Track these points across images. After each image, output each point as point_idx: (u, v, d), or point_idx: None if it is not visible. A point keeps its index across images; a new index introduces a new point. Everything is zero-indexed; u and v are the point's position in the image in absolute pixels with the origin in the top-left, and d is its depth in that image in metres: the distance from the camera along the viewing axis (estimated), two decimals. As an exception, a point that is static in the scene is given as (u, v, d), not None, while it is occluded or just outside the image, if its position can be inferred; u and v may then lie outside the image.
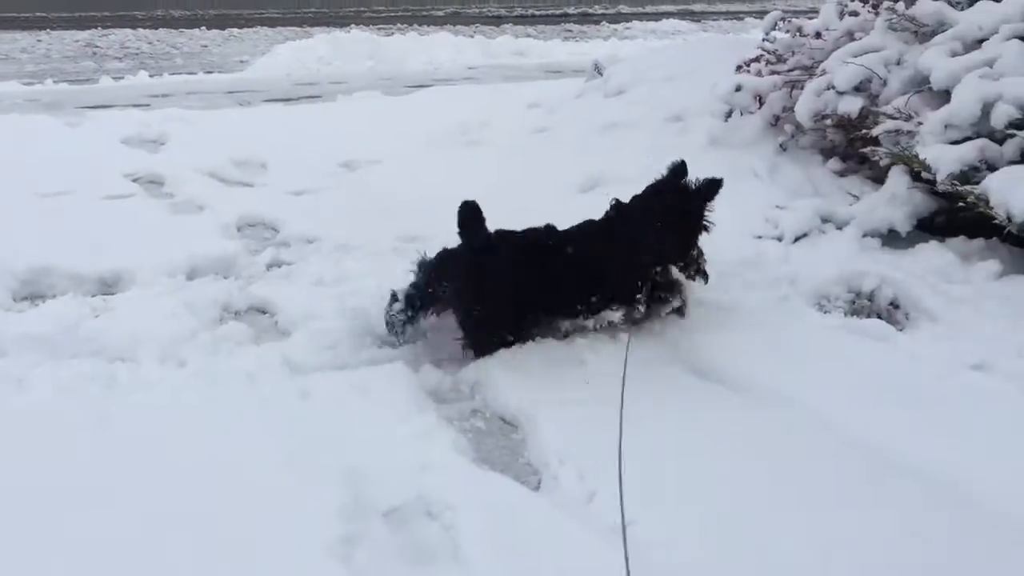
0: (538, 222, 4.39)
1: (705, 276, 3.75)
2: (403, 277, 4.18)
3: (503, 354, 3.47)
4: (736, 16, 20.57)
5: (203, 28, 18.01)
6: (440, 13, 19.35)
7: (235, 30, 16.83)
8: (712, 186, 3.63)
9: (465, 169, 6.08)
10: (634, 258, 3.54)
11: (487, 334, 3.46)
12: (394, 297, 3.58)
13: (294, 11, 18.37)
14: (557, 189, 5.38)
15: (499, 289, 3.42)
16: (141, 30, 18.26)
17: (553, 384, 3.21)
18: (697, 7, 22.20)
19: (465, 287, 3.45)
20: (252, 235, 5.03)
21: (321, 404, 3.03)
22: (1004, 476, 2.58)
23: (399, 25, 17.05)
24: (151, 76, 11.59)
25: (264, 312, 3.96)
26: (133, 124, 7.79)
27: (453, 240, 4.73)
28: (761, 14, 6.25)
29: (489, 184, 5.62)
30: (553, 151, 6.20)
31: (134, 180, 6.12)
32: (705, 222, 3.68)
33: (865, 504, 2.52)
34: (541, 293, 3.46)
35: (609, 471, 2.66)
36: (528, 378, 3.27)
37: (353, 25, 16.35)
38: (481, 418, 3.12)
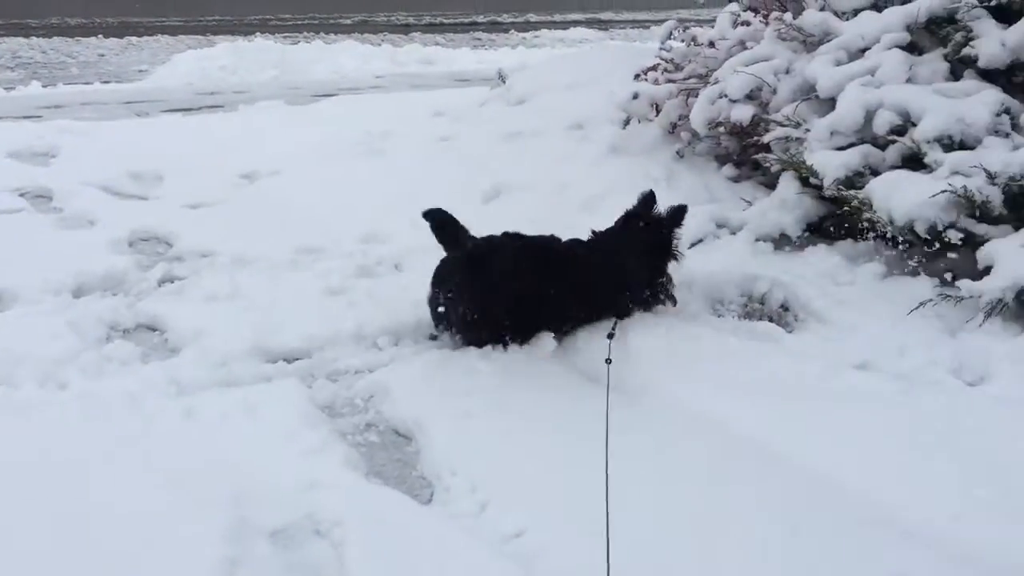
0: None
1: (673, 300, 3.90)
2: (299, 291, 4.15)
3: (399, 366, 3.45)
4: (643, 25, 20.90)
5: (100, 36, 17.46)
6: (348, 21, 19.17)
7: (134, 38, 16.37)
8: (678, 213, 3.87)
9: (367, 179, 6.02)
10: (614, 285, 3.72)
11: (486, 333, 3.48)
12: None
13: (197, 19, 17.97)
14: (460, 198, 5.33)
15: (495, 291, 3.45)
16: (34, 38, 17.62)
17: (449, 395, 3.20)
18: (604, 16, 22.51)
19: (460, 291, 3.45)
20: (144, 250, 4.89)
21: (207, 424, 2.95)
22: (880, 475, 2.66)
23: (306, 33, 16.86)
24: (44, 86, 11.17)
25: (153, 329, 3.84)
26: (23, 137, 7.48)
27: (354, 252, 4.70)
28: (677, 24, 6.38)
29: (391, 194, 5.60)
30: (456, 160, 6.19)
31: (21, 195, 5.88)
32: (675, 252, 3.89)
33: (746, 503, 2.57)
34: (534, 299, 3.53)
35: (501, 481, 2.66)
36: (424, 389, 3.25)
37: (258, 33, 16.11)
38: (375, 431, 3.08)
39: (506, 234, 3.64)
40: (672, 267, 3.89)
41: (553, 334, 3.62)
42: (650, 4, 22.22)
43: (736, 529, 2.47)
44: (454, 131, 6.89)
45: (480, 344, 3.51)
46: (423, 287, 3.70)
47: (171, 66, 12.51)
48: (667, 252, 3.88)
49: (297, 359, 3.52)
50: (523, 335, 3.56)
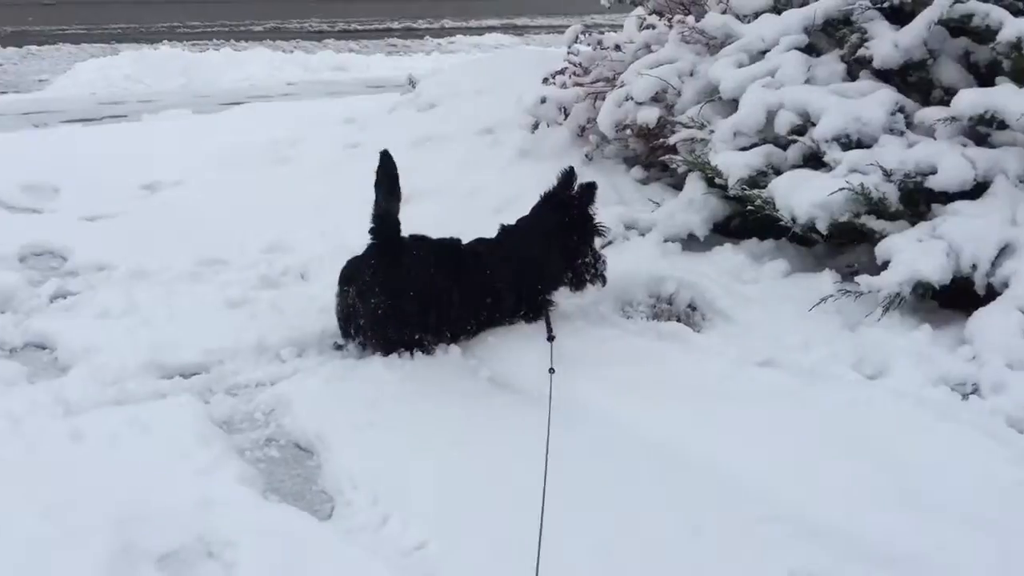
0: (346, 240, 4.32)
1: (602, 279, 3.89)
2: (199, 303, 4.02)
3: (302, 378, 3.35)
4: (558, 30, 20.99)
5: (-1, 46, 16.76)
6: (259, 28, 18.82)
7: (34, 47, 15.73)
8: (588, 190, 3.84)
9: (274, 188, 5.89)
10: (521, 279, 3.70)
11: (394, 330, 3.41)
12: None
13: (101, 27, 17.41)
14: (366, 204, 5.26)
15: (406, 284, 3.40)
16: (-72, 48, 16.85)
17: (352, 405, 3.12)
18: (520, 21, 22.56)
19: (371, 284, 3.38)
20: (36, 265, 4.67)
21: (95, 445, 2.81)
22: (782, 472, 2.68)
23: (215, 41, 16.47)
24: (-64, 98, 10.68)
25: (43, 348, 3.67)
26: (-91, 150, 7.13)
27: (258, 262, 4.58)
28: (585, 29, 6.39)
29: (297, 202, 5.50)
30: (365, 166, 5.97)
31: (-96, 210, 5.59)
32: (599, 226, 3.88)
33: (651, 504, 2.56)
34: (443, 298, 3.49)
35: (402, 493, 2.60)
36: (327, 401, 3.17)
37: (166, 41, 15.68)
38: (276, 446, 2.99)
39: (411, 236, 3.59)
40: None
41: (460, 338, 3.58)
42: (566, 9, 22.37)
43: (640, 530, 2.46)
44: (363, 137, 6.78)
45: (388, 342, 3.44)
46: (329, 295, 3.61)
47: (72, 75, 12.07)
48: (586, 229, 3.85)
49: (195, 374, 3.40)
50: (431, 334, 3.50)
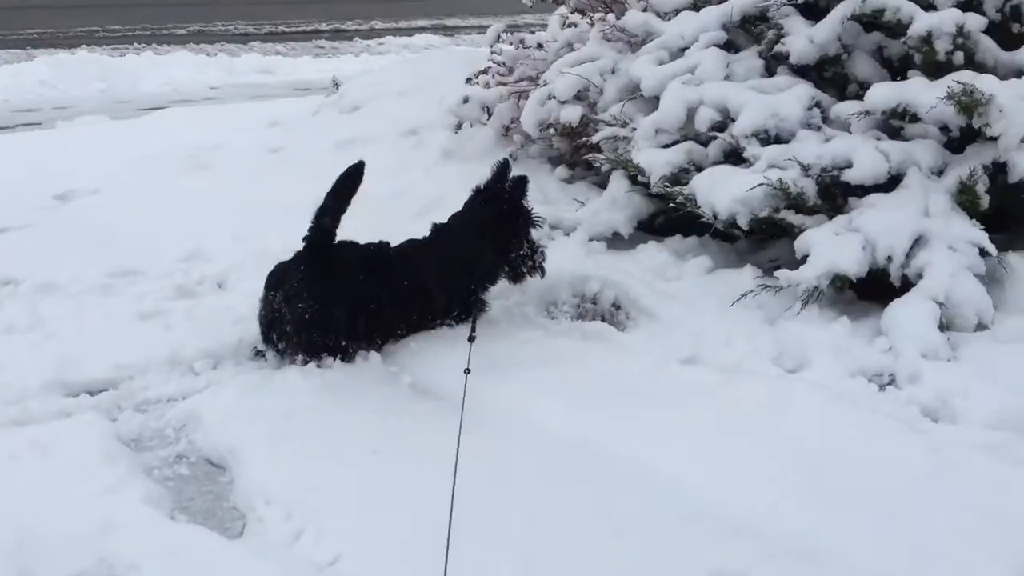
0: (268, 247, 4.22)
1: (542, 271, 3.87)
2: (109, 317, 3.88)
3: (215, 391, 3.25)
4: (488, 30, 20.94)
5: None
6: (182, 31, 18.40)
7: (-55, 54, 15.22)
8: (520, 183, 3.83)
9: (193, 195, 5.73)
10: (453, 278, 3.65)
11: (320, 336, 3.33)
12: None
13: (16, 32, 16.87)
14: (288, 210, 5.12)
15: (334, 290, 3.34)
16: None
17: (267, 418, 3.03)
18: (450, 22, 22.46)
19: (299, 289, 3.31)
20: (-65, 280, 4.46)
21: (-9, 468, 2.68)
22: (704, 469, 2.67)
23: (136, 45, 16.06)
24: None
25: (-61, 368, 3.50)
26: None
27: (174, 272, 4.44)
28: (513, 28, 6.34)
29: (217, 209, 5.35)
30: (287, 170, 5.97)
31: None
32: (535, 218, 3.85)
33: (573, 506, 2.53)
34: (372, 304, 3.43)
35: (317, 507, 2.52)
36: (240, 414, 3.07)
37: (84, 46, 15.22)
38: (186, 463, 2.88)
39: (339, 243, 3.53)
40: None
41: (379, 344, 3.52)
42: (496, 9, 22.36)
43: (561, 533, 2.42)
44: (286, 141, 6.66)
45: (313, 347, 3.36)
46: (248, 304, 3.52)
47: (-16, 82, 11.67)
48: (520, 221, 3.83)
49: (102, 391, 3.27)
50: (359, 340, 3.43)
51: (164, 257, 4.65)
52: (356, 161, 3.52)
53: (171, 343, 3.56)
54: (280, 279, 3.41)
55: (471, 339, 3.43)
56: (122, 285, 4.28)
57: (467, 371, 3.16)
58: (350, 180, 3.45)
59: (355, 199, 5.31)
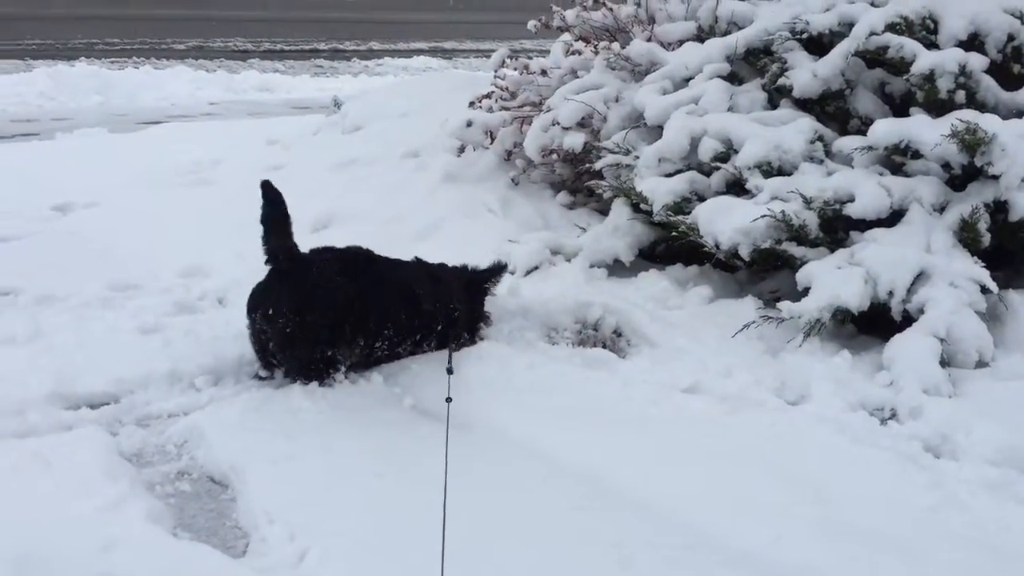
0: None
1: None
2: (109, 330, 3.86)
3: (217, 407, 3.23)
4: (486, 54, 21.01)
5: (-95, 61, 16.04)
6: (181, 46, 18.41)
7: (-57, 63, 15.19)
8: (498, 270, 3.99)
9: (192, 210, 5.73)
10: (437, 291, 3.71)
11: (304, 349, 3.30)
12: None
13: (15, 43, 16.85)
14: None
15: (311, 299, 3.31)
16: None
17: (270, 436, 3.02)
18: (448, 45, 22.55)
19: (276, 305, 3.29)
20: (-66, 291, 4.44)
21: (-8, 481, 2.66)
22: (707, 500, 2.67)
23: (135, 58, 16.07)
24: None
25: (-61, 378, 3.47)
26: None
27: (173, 287, 4.43)
28: (514, 53, 6.37)
29: (216, 225, 5.33)
30: (287, 189, 5.90)
31: None
32: (489, 292, 3.97)
33: (573, 531, 2.52)
34: (356, 307, 3.41)
35: (323, 527, 2.51)
36: (243, 431, 3.06)
37: (83, 58, 15.21)
38: (188, 480, 2.87)
39: (313, 250, 3.53)
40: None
41: (379, 351, 3.50)
42: (494, 34, 22.49)
43: (565, 562, 2.41)
44: (286, 159, 6.66)
45: (301, 362, 3.34)
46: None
47: (-18, 92, 11.65)
48: (482, 299, 3.95)
49: (103, 404, 3.25)
50: (346, 348, 3.41)
51: (163, 272, 4.65)
52: (261, 181, 3.52)
53: (172, 358, 3.55)
54: (258, 301, 3.39)
55: (449, 371, 3.38)
56: (122, 299, 4.26)
57: (448, 399, 3.12)
58: (271, 200, 3.46)
59: (355, 217, 5.38)
